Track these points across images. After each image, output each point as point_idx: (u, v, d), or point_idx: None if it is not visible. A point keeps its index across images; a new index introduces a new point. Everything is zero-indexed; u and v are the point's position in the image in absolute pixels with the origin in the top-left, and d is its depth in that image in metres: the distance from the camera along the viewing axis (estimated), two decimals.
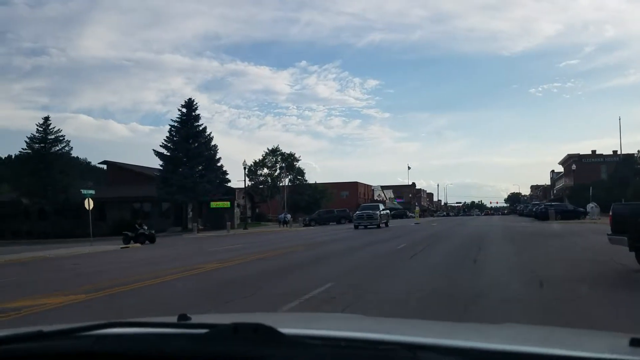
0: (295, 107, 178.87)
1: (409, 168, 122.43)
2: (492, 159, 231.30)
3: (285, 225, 45.62)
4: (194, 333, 1.16)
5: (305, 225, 47.82)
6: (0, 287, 10.57)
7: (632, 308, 6.17)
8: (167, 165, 43.72)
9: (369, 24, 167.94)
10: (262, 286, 8.68)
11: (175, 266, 12.94)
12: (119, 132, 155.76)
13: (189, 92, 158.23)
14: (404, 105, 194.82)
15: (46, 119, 47.02)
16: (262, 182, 62.20)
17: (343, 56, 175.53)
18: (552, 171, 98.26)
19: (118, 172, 51.98)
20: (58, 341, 1.17)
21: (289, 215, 47.51)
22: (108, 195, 45.85)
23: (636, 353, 1.07)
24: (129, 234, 26.58)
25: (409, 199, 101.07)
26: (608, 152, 72.25)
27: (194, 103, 45.48)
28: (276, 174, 62.65)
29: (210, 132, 45.82)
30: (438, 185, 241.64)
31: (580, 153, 73.91)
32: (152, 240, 26.81)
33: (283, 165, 62.07)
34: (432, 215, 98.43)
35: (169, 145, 44.60)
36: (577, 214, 38.61)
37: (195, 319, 1.42)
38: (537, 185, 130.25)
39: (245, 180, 46.51)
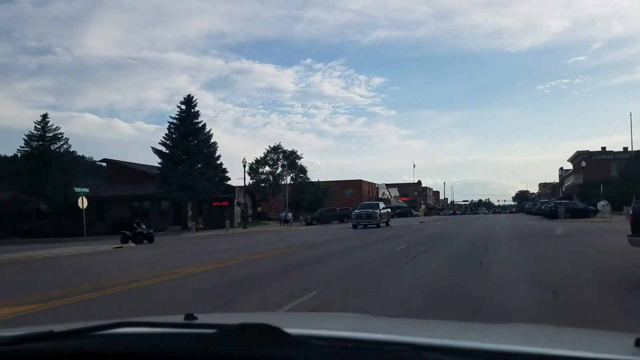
0: (300, 105, 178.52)
1: (414, 166, 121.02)
2: (499, 157, 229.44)
3: (286, 224, 44.83)
4: (201, 333, 1.18)
5: (307, 224, 46.94)
6: None
7: None
8: (166, 163, 42.99)
9: (373, 21, 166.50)
10: (234, 298, 7.71)
11: (155, 269, 12.02)
12: (125, 130, 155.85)
13: (193, 91, 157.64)
14: (409, 103, 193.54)
15: (44, 116, 46.74)
16: (263, 180, 61.39)
17: (348, 53, 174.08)
18: (561, 168, 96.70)
19: (118, 170, 51.34)
20: (67, 341, 1.20)
21: (290, 214, 46.69)
22: (108, 194, 45.34)
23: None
24: (127, 233, 26.00)
25: (415, 197, 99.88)
26: (618, 149, 70.70)
27: (193, 99, 44.71)
28: (278, 172, 61.78)
29: (210, 129, 45.17)
30: (444, 183, 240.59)
31: (590, 150, 72.37)
32: (150, 239, 26.11)
33: (285, 163, 61.11)
34: (438, 214, 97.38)
35: (167, 142, 43.86)
36: (587, 212, 37.68)
37: (202, 318, 1.43)
38: (545, 182, 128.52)
39: (244, 179, 45.63)
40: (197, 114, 44.67)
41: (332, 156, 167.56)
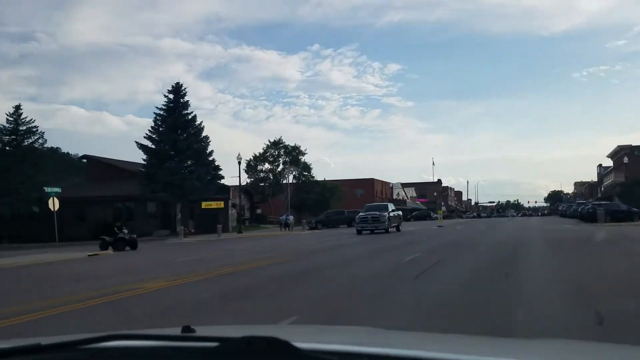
0: (306, 96, 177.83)
1: (433, 163, 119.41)
2: (530, 153, 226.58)
3: (286, 228, 43.70)
4: (202, 346, 1.17)
5: (311, 228, 45.65)
6: None
7: None
8: (152, 160, 42.04)
9: (387, 2, 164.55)
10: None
11: (90, 288, 10.62)
12: (114, 125, 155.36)
13: (190, 81, 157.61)
14: (429, 93, 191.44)
15: (17, 107, 45.91)
16: (262, 179, 60.20)
17: (360, 38, 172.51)
18: (600, 165, 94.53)
19: (100, 167, 50.45)
20: (55, 354, 1.21)
21: (291, 217, 45.49)
22: (89, 194, 44.41)
23: None
24: (107, 238, 25.15)
25: (434, 198, 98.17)
26: None
27: (182, 87, 43.66)
28: (279, 169, 60.55)
29: (202, 122, 44.15)
30: (467, 182, 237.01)
31: (633, 144, 70.18)
32: (133, 246, 25.21)
33: (287, 159, 59.82)
34: (460, 217, 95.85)
35: (154, 136, 42.82)
36: (631, 215, 37.17)
37: (201, 331, 1.43)
38: (581, 181, 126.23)
39: (240, 177, 44.37)
40: (186, 104, 43.62)
41: (342, 152, 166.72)
